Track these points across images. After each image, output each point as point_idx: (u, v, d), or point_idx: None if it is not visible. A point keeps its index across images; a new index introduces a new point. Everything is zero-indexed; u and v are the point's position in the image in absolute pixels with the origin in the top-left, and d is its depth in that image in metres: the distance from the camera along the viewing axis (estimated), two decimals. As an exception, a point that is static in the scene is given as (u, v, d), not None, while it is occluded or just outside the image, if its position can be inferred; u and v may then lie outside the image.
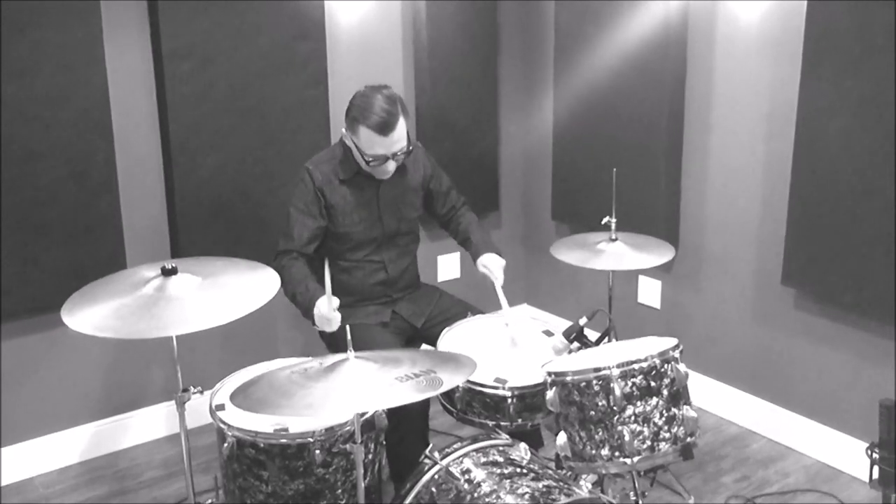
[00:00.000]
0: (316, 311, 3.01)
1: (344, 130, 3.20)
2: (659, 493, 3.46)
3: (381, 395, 2.16)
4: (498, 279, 3.35)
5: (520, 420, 2.83)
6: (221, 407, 2.77)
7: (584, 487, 2.51)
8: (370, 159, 3.13)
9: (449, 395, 2.93)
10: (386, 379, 2.20)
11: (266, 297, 2.60)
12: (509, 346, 3.12)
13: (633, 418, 2.53)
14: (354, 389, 2.19)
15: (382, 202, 3.32)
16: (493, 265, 3.38)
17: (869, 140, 3.25)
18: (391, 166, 3.17)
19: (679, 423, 2.57)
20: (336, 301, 2.91)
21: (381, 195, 3.31)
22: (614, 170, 3.41)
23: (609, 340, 3.02)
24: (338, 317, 2.95)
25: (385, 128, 3.06)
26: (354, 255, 3.33)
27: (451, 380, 2.24)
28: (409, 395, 2.13)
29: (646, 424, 2.53)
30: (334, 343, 3.18)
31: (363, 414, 2.55)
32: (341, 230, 3.28)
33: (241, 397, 2.25)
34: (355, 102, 3.13)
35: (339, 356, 2.34)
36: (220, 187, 3.82)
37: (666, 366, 2.57)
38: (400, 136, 3.11)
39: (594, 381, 2.54)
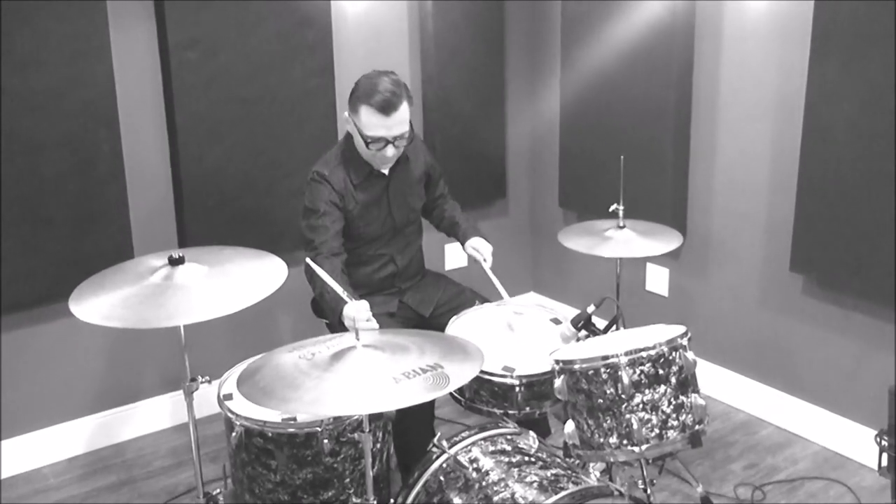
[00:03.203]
0: (349, 322, 2.87)
1: (346, 114, 3.15)
2: (667, 481, 3.46)
3: (389, 395, 2.11)
4: (487, 261, 3.35)
5: (528, 408, 2.83)
6: (229, 396, 2.77)
7: (593, 475, 2.51)
8: (370, 140, 3.08)
9: (456, 384, 2.92)
10: (393, 373, 2.17)
11: (273, 286, 2.60)
12: (516, 334, 3.12)
13: (641, 406, 2.52)
14: (362, 385, 2.15)
15: (392, 196, 3.30)
16: (482, 247, 3.39)
17: (877, 127, 3.23)
18: (391, 151, 3.11)
19: (687, 410, 2.57)
20: (364, 303, 2.83)
21: (390, 190, 3.30)
22: (622, 157, 3.39)
23: (617, 328, 3.02)
24: (374, 324, 2.79)
25: (387, 107, 3.01)
26: (364, 251, 3.31)
27: (459, 377, 2.19)
28: (416, 395, 2.10)
29: (654, 412, 2.53)
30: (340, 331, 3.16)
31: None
32: (354, 231, 3.25)
33: (248, 385, 2.23)
34: (360, 83, 3.09)
35: (347, 342, 2.32)
36: (226, 176, 3.82)
37: (674, 353, 2.56)
38: (401, 119, 3.06)
39: (602, 369, 2.54)
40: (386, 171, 3.28)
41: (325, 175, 3.17)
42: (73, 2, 3.37)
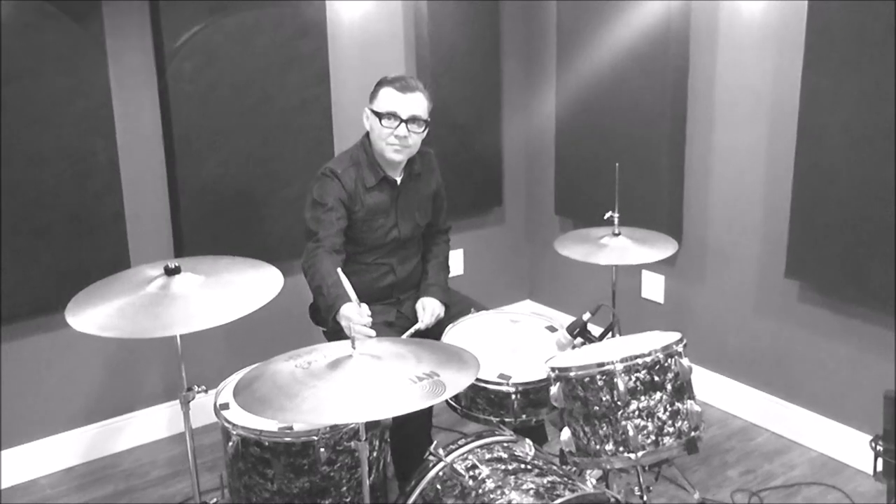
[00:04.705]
0: (344, 321, 2.93)
1: (365, 109, 3.22)
2: (664, 488, 3.46)
3: (385, 403, 2.13)
4: (421, 323, 3.26)
5: (524, 416, 2.83)
6: (226, 406, 2.77)
7: (589, 483, 2.52)
8: (384, 115, 3.13)
9: (453, 392, 2.92)
10: (390, 382, 2.18)
11: (270, 296, 2.61)
12: (512, 342, 3.12)
13: (637, 413, 2.53)
14: (358, 393, 2.16)
15: (400, 208, 3.32)
16: (429, 309, 3.31)
17: (871, 132, 3.24)
18: (402, 131, 3.14)
19: (683, 417, 2.57)
20: (366, 308, 2.84)
21: (399, 201, 3.31)
22: (617, 164, 3.40)
23: (613, 335, 3.02)
24: (370, 330, 2.83)
25: (405, 87, 3.14)
26: (365, 258, 3.32)
27: (455, 385, 2.20)
28: (412, 403, 2.10)
29: (650, 419, 2.53)
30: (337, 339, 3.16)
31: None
32: (357, 235, 3.27)
33: (245, 394, 2.23)
34: (384, 77, 3.23)
35: (343, 351, 2.32)
36: (223, 186, 3.82)
37: (669, 360, 2.57)
38: (418, 103, 3.16)
39: (598, 377, 2.54)
40: (398, 179, 3.29)
41: (337, 172, 3.21)
42: (68, 11, 3.37)
